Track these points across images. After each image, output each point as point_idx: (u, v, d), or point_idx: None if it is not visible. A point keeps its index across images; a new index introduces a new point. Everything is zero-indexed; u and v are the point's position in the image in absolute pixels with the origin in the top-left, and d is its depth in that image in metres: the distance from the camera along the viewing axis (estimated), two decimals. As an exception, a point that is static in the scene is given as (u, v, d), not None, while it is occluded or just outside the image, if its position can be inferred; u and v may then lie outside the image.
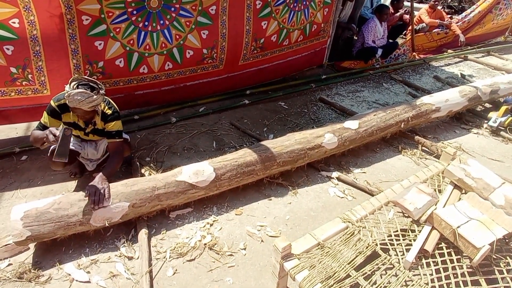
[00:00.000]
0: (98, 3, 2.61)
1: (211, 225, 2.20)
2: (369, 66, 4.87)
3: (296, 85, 4.18)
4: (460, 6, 7.43)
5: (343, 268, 1.52)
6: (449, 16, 6.12)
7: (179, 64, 3.32)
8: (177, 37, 3.15)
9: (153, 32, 3.00)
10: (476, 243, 1.58)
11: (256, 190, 2.52)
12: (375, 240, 1.71)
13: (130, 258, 1.96)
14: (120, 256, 1.97)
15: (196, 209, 2.31)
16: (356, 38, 5.14)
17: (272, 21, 3.68)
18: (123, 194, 2.01)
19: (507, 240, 1.82)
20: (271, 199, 2.44)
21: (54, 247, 1.99)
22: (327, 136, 2.60)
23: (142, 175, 2.55)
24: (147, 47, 3.04)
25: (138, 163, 2.68)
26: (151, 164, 2.74)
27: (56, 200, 1.91)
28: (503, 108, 3.48)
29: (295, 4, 3.78)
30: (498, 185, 1.92)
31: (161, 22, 3.00)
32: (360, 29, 5.04)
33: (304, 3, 3.88)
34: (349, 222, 1.75)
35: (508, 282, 1.60)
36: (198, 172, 2.17)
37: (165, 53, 3.16)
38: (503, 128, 3.45)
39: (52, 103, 2.13)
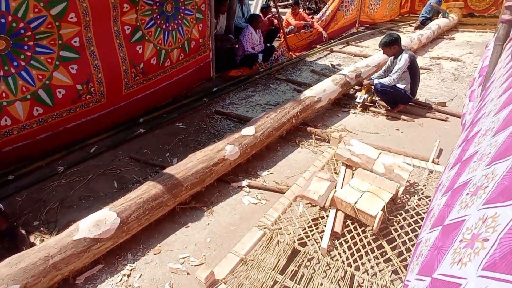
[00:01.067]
0: None
1: (129, 275, 1.99)
2: (254, 71, 5.16)
3: (189, 103, 4.14)
4: (317, 7, 8.53)
5: (269, 276, 1.55)
6: (310, 16, 6.94)
7: (51, 107, 2.94)
8: (40, 77, 2.78)
9: (7, 76, 2.58)
10: (372, 212, 1.81)
11: (171, 221, 2.39)
12: (292, 237, 1.81)
13: None
14: None
15: (107, 263, 2.06)
16: (237, 47, 5.38)
17: (147, 44, 3.57)
18: (9, 276, 1.66)
19: (393, 200, 2.14)
20: (188, 226, 2.35)
21: None
22: (228, 148, 2.64)
23: (33, 244, 2.16)
24: (4, 95, 2.60)
25: (23, 231, 2.25)
26: (42, 228, 2.35)
27: None
28: (365, 85, 4.09)
29: (167, 24, 3.74)
30: (376, 156, 2.24)
31: (15, 64, 2.60)
32: (238, 38, 5.29)
33: (177, 22, 3.88)
34: (265, 228, 1.81)
35: (403, 237, 1.87)
36: (99, 223, 1.94)
37: (29, 97, 2.75)
38: (369, 104, 4.07)
39: None
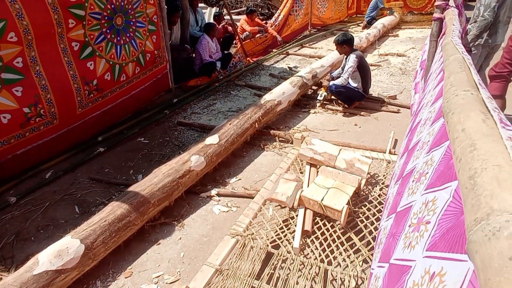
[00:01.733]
0: None
1: (100, 303, 1.90)
2: (214, 79, 5.15)
3: (150, 116, 4.05)
4: (270, 13, 8.74)
5: (245, 283, 1.56)
6: (264, 22, 7.09)
7: (-4, 134, 2.73)
8: (-18, 103, 2.58)
9: None
10: (338, 207, 1.88)
11: (141, 240, 2.32)
12: (265, 241, 1.83)
13: None
14: None
15: (75, 294, 1.95)
16: (194, 56, 5.35)
17: (99, 60, 3.44)
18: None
19: (357, 193, 2.24)
20: (159, 243, 2.29)
21: None
22: (193, 159, 2.61)
23: (-10, 284, 1.98)
24: None
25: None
26: (-1, 265, 2.16)
27: None
28: (324, 86, 4.26)
29: (118, 38, 3.64)
30: (337, 153, 2.33)
31: (-50, 91, 2.39)
32: (195, 48, 5.27)
33: (128, 35, 3.78)
34: (237, 235, 1.81)
35: (369, 227, 1.97)
36: (61, 253, 1.83)
37: (-30, 126, 2.54)
38: (327, 102, 4.24)
39: None
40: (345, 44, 3.90)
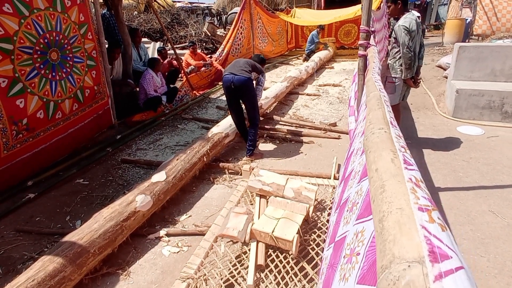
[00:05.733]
0: None
1: None
2: (160, 113, 5.05)
3: (90, 155, 3.80)
4: (214, 47, 9.01)
5: (198, 331, 1.46)
6: (208, 56, 7.26)
7: None
8: None
9: None
10: (288, 237, 1.89)
11: (79, 296, 2.07)
12: (218, 281, 1.75)
13: None
14: None
15: None
16: (138, 91, 5.23)
17: (31, 97, 3.19)
18: None
19: (306, 221, 2.29)
20: (101, 297, 2.07)
21: None
22: (138, 199, 2.47)
23: None
24: None
25: None
26: None
27: None
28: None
29: (53, 74, 3.43)
30: (285, 182, 2.39)
31: None
32: (138, 82, 5.16)
33: (65, 70, 3.59)
34: (188, 278, 1.71)
35: (320, 254, 2.00)
36: (-22, 324, 1.55)
37: None
38: (275, 132, 4.38)
39: None
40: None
